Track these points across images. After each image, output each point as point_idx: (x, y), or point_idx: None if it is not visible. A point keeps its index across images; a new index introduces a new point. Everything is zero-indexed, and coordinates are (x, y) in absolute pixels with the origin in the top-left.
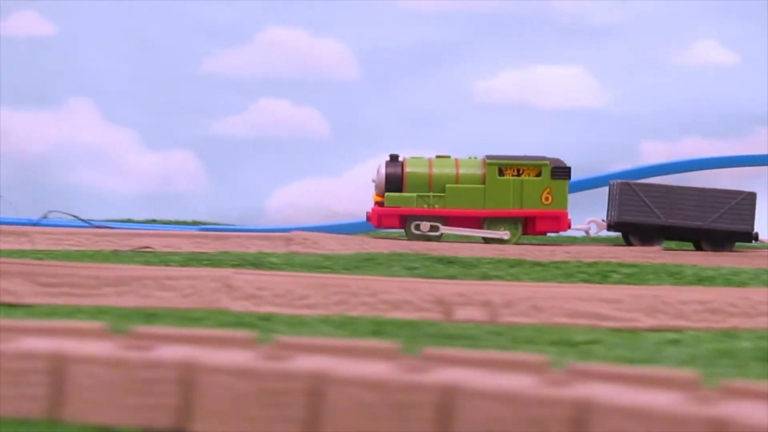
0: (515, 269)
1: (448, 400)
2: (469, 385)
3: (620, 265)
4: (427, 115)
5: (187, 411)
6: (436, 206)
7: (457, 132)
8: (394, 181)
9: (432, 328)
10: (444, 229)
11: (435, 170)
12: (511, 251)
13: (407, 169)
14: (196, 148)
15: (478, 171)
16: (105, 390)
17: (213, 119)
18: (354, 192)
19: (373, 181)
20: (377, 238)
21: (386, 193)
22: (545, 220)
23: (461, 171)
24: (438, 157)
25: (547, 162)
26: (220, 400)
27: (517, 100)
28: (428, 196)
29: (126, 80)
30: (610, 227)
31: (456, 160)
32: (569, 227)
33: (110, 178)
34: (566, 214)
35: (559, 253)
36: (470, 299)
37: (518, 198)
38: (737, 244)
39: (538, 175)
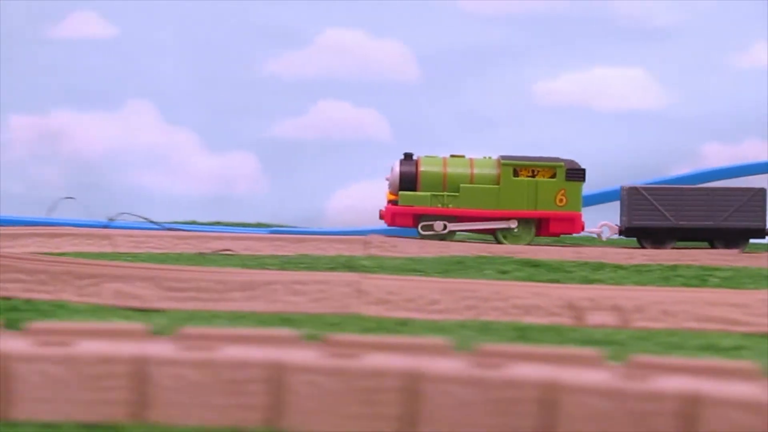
0: (601, 273)
1: (690, 409)
2: (712, 393)
3: (715, 269)
4: (486, 117)
5: None
6: (450, 206)
7: (517, 134)
8: (408, 179)
9: (574, 334)
10: (453, 226)
11: (449, 170)
12: (589, 254)
13: (421, 168)
14: (256, 150)
15: (493, 171)
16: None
17: (273, 121)
18: None
19: (387, 179)
20: (451, 242)
21: (400, 192)
22: (559, 221)
23: (476, 171)
24: (452, 156)
25: (562, 163)
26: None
27: (577, 102)
28: (442, 195)
29: (186, 82)
30: (621, 232)
31: (471, 159)
32: (583, 229)
33: (170, 180)
34: (580, 215)
35: (637, 256)
36: (600, 304)
37: (532, 199)
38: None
39: (553, 176)
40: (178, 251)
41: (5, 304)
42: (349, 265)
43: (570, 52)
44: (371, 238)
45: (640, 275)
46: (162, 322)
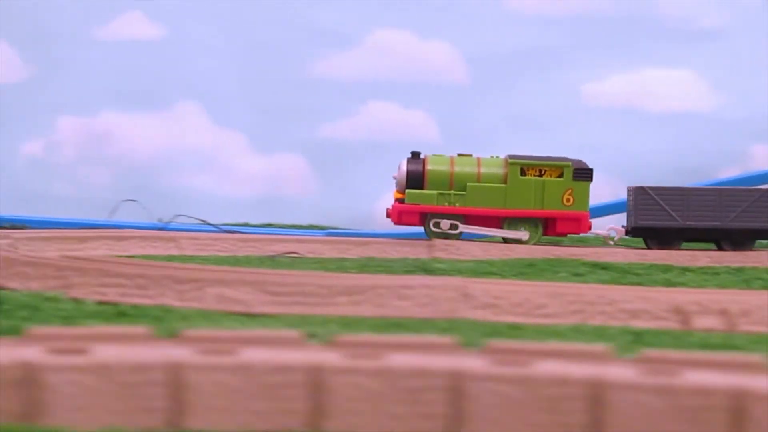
0: (670, 274)
1: None
2: None
3: None
4: (535, 119)
5: None
6: (457, 204)
7: (565, 136)
8: (415, 178)
9: (690, 338)
10: (463, 228)
11: (456, 168)
12: (654, 256)
13: (428, 167)
14: (305, 151)
15: (500, 170)
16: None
17: (322, 122)
18: None
19: (395, 178)
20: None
21: (407, 190)
22: (566, 221)
23: (483, 170)
24: (460, 155)
25: (569, 163)
26: None
27: (626, 104)
28: (449, 194)
29: (234, 83)
30: (627, 232)
31: (478, 158)
32: (590, 229)
33: (218, 182)
34: (587, 215)
35: (702, 258)
36: (706, 308)
37: (539, 198)
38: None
39: (560, 176)
40: (243, 254)
41: (112, 309)
42: (424, 267)
43: (618, 54)
44: (435, 241)
45: (717, 277)
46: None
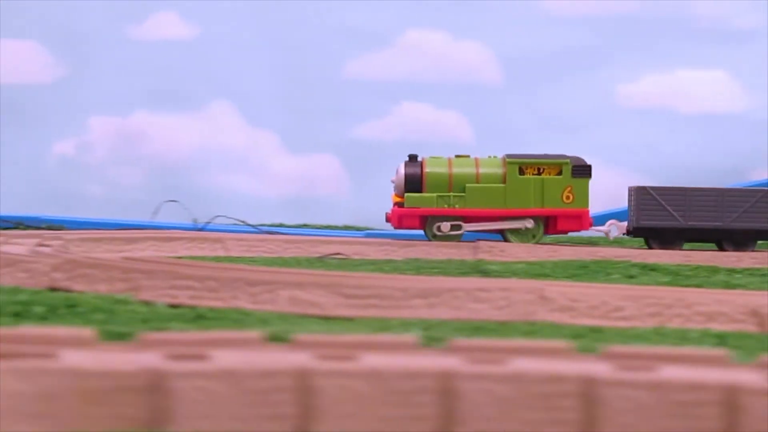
0: (719, 276)
1: None
2: None
3: None
4: (568, 120)
5: None
6: (457, 206)
7: (600, 137)
8: (413, 181)
9: None
10: (467, 227)
11: (455, 170)
12: (698, 258)
13: (427, 169)
14: (338, 151)
15: (499, 170)
16: None
17: (355, 123)
18: None
19: (393, 181)
20: (558, 244)
21: (406, 194)
22: (567, 219)
23: (481, 170)
24: (457, 156)
25: (568, 160)
26: None
27: (659, 105)
28: (449, 196)
29: (267, 83)
30: (629, 232)
31: (476, 159)
32: (591, 226)
33: (251, 182)
34: (588, 212)
35: (746, 260)
36: None
37: (539, 197)
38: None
39: (559, 173)
40: (289, 255)
41: (190, 313)
42: (479, 269)
43: (651, 54)
44: (479, 243)
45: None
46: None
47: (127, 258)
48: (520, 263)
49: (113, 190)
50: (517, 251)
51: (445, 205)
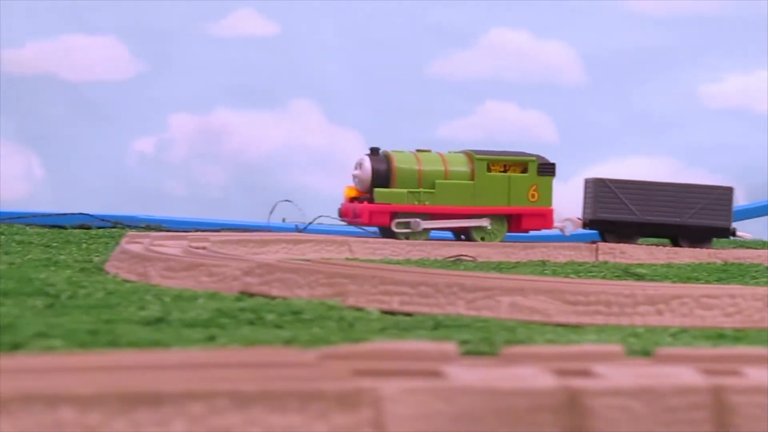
0: None
1: None
2: None
3: None
4: (652, 120)
5: None
6: (427, 203)
7: (682, 137)
8: (381, 176)
9: None
10: (428, 224)
11: (424, 166)
12: None
13: (397, 165)
14: None
15: (467, 167)
16: None
17: (439, 122)
18: (580, 197)
19: (356, 175)
20: (675, 246)
21: (376, 189)
22: (532, 217)
23: (450, 167)
24: (419, 151)
25: (534, 158)
26: None
27: (742, 105)
28: (418, 192)
29: (349, 81)
30: (585, 225)
31: (441, 155)
32: (553, 225)
33: (334, 181)
34: (552, 211)
35: None
36: None
37: (505, 195)
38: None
39: (524, 171)
40: (414, 257)
41: (430, 320)
42: (628, 271)
43: (735, 55)
44: (598, 244)
45: None
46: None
47: (327, 262)
48: (661, 266)
49: (194, 188)
50: (638, 253)
51: (415, 202)
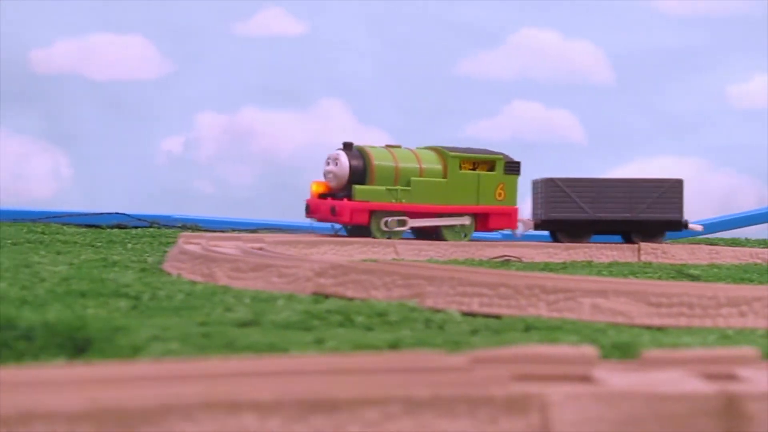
0: None
1: None
2: None
3: None
4: (680, 120)
5: None
6: (403, 200)
7: (710, 137)
8: (359, 172)
9: None
10: (414, 222)
11: (400, 163)
12: None
13: (375, 162)
14: None
15: (439, 164)
16: None
17: (466, 121)
18: None
19: (330, 171)
20: (713, 245)
21: (357, 187)
22: (498, 216)
23: (423, 165)
24: (388, 146)
25: (501, 156)
26: None
27: None
28: (396, 190)
29: (377, 80)
30: (537, 226)
31: (413, 151)
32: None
33: None
34: (517, 210)
35: None
36: None
37: (475, 193)
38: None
39: (491, 169)
40: (459, 257)
41: (520, 323)
42: (682, 272)
43: (763, 54)
44: (641, 244)
45: None
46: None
47: (402, 263)
48: (709, 267)
49: (221, 187)
50: (680, 252)
51: (393, 200)
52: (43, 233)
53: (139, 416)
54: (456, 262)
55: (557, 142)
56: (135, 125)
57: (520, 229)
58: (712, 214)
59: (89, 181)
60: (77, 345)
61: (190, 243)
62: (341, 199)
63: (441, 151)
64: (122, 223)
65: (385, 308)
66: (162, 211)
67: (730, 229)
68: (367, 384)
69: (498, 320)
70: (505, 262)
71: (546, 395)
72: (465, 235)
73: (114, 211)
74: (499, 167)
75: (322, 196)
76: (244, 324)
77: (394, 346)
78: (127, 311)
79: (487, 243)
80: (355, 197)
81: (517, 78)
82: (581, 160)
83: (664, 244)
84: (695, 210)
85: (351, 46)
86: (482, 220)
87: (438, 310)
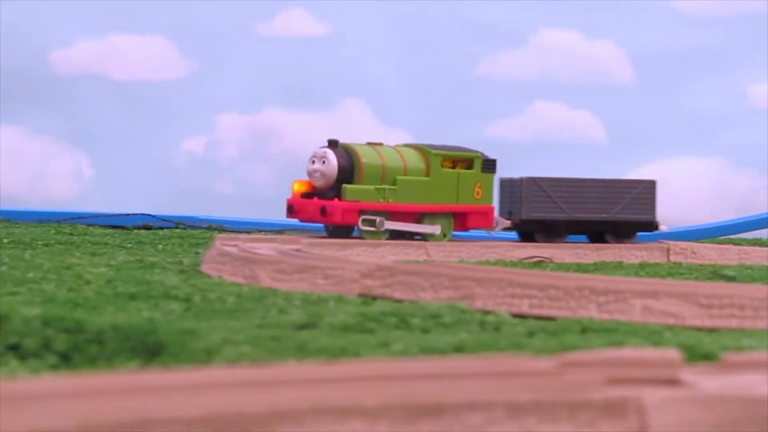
0: None
1: None
2: None
3: None
4: (702, 120)
5: None
6: (390, 200)
7: (733, 137)
8: (347, 171)
9: None
10: (388, 224)
11: (386, 161)
12: None
13: (364, 160)
14: None
15: (422, 162)
16: None
17: (487, 122)
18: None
19: (316, 170)
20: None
21: (348, 186)
22: (476, 215)
23: (408, 163)
24: (371, 144)
25: (479, 154)
26: None
27: None
28: (383, 189)
29: (399, 81)
30: (516, 225)
31: (396, 149)
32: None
33: None
34: (494, 209)
35: None
36: None
37: (454, 192)
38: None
39: (469, 167)
40: (491, 258)
41: (575, 324)
42: (717, 273)
43: None
44: (671, 245)
45: None
46: None
47: (448, 265)
48: (741, 267)
49: (243, 188)
50: (709, 253)
51: (381, 199)
52: (71, 234)
53: (252, 422)
54: (487, 263)
55: (579, 141)
56: (156, 126)
57: (496, 228)
58: (733, 215)
59: (111, 182)
60: (149, 349)
61: (226, 245)
62: (331, 198)
63: (423, 149)
64: (148, 224)
65: (437, 310)
66: (183, 211)
67: (752, 230)
68: (470, 388)
69: (553, 322)
70: (538, 263)
71: (642, 398)
72: (445, 236)
73: (139, 212)
74: (477, 165)
75: (306, 195)
76: (301, 327)
77: (459, 349)
78: (181, 314)
79: (515, 244)
80: (345, 197)
81: (539, 78)
82: (601, 161)
83: (693, 244)
84: (716, 211)
85: (372, 47)
86: (461, 220)
87: (488, 312)
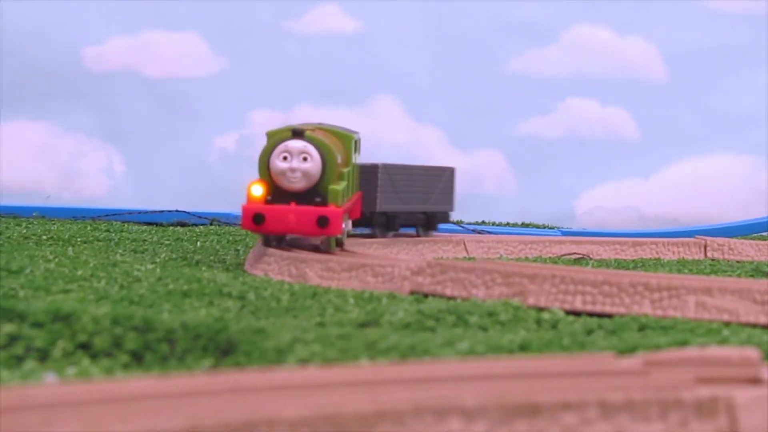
0: None
1: None
2: None
3: None
4: (734, 118)
5: None
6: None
7: (766, 134)
8: (324, 169)
9: None
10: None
11: (344, 152)
12: None
13: (336, 153)
14: (503, 148)
15: (345, 150)
16: None
17: (520, 119)
18: (661, 195)
19: (296, 168)
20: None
21: (334, 188)
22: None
23: (347, 152)
24: (314, 129)
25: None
26: None
27: None
28: (351, 186)
29: (431, 78)
30: (368, 219)
31: (326, 133)
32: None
33: None
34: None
35: None
36: None
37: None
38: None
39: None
40: (529, 255)
41: (633, 322)
42: (759, 269)
43: None
44: (709, 241)
45: None
46: None
47: (500, 261)
48: None
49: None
50: (746, 249)
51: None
52: (108, 231)
53: (355, 422)
54: (527, 259)
55: (610, 139)
56: (188, 122)
57: (349, 226)
58: (766, 212)
59: (142, 179)
60: (220, 348)
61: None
62: (322, 204)
63: (336, 132)
64: (182, 220)
65: (492, 307)
66: (215, 208)
67: None
68: (562, 388)
69: (609, 319)
70: (579, 260)
71: (733, 398)
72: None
73: (173, 208)
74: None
75: (275, 200)
76: (362, 324)
77: (523, 348)
78: (237, 312)
79: (553, 239)
80: (337, 201)
81: (571, 75)
82: (634, 158)
83: (730, 240)
84: (748, 208)
85: (405, 44)
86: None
87: (541, 309)
